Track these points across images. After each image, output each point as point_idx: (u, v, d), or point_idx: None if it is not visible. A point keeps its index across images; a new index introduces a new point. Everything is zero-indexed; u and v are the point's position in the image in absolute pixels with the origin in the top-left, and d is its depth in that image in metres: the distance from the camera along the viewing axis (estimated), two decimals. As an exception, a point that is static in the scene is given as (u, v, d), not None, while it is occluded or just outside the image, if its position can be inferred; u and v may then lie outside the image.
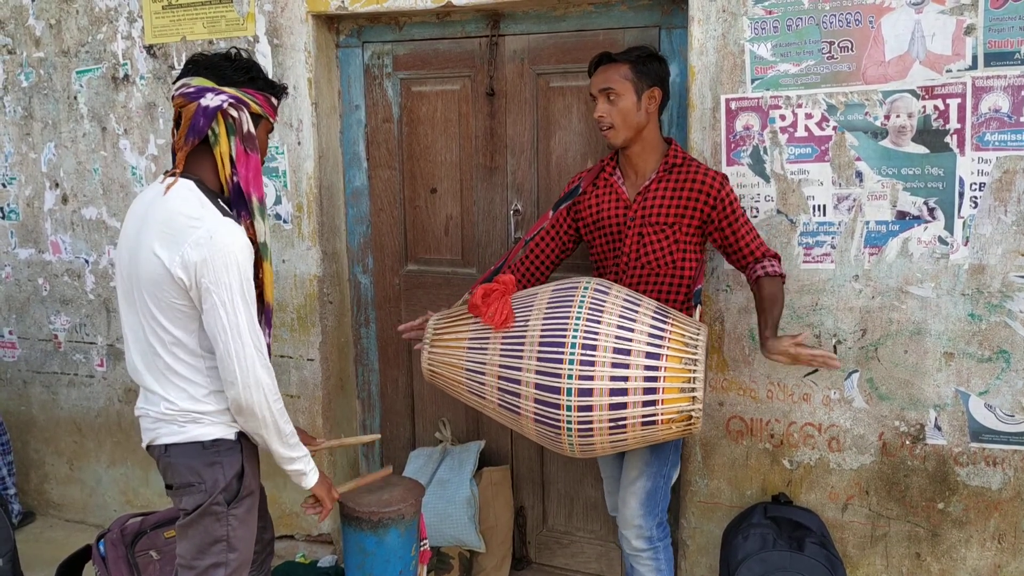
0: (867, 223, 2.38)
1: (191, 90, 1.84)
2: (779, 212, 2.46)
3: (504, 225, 2.96)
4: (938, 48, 2.25)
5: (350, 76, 3.06)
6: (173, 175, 1.85)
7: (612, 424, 1.98)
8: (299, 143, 2.96)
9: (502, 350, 2.07)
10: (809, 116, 2.38)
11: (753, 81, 2.42)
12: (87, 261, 3.39)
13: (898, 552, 2.51)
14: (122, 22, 3.15)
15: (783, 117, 2.41)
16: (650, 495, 2.29)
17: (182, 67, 1.91)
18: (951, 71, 2.25)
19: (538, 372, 2.00)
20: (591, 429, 1.99)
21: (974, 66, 2.23)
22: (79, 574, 2.72)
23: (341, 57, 3.06)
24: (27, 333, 3.56)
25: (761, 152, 2.44)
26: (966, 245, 2.31)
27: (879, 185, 2.36)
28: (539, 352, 2.01)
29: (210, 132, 1.84)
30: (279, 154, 2.99)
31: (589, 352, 1.97)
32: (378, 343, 3.22)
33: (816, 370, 2.49)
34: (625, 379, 1.96)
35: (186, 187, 1.83)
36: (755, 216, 2.47)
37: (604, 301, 2.04)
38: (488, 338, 2.10)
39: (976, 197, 2.28)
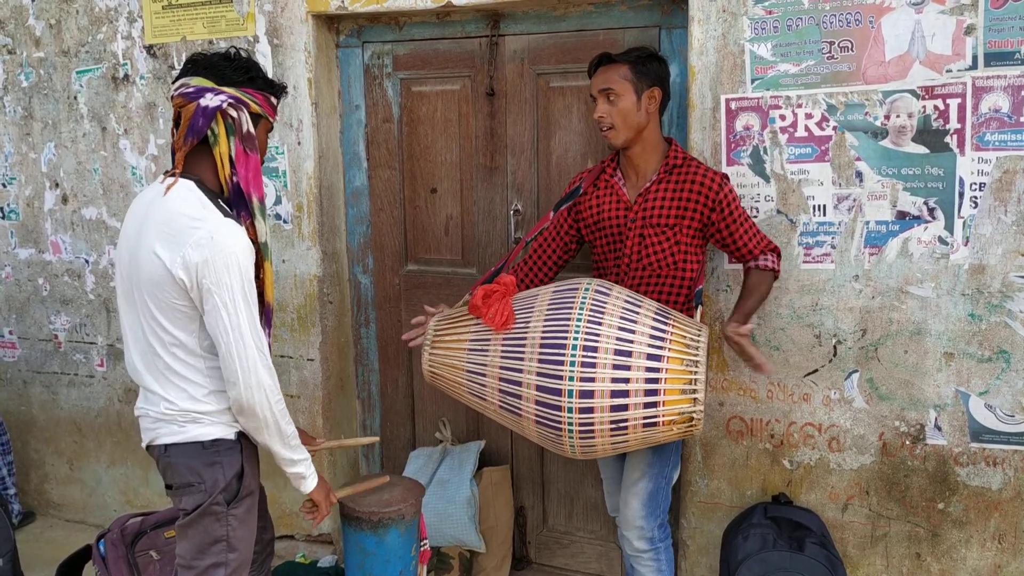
0: (867, 223, 2.38)
1: (190, 90, 1.84)
2: (779, 212, 2.46)
3: (504, 225, 2.96)
4: (938, 48, 2.25)
5: (350, 76, 3.06)
6: (173, 175, 1.85)
7: (613, 425, 1.98)
8: (299, 143, 2.96)
9: (503, 352, 2.07)
10: (809, 116, 2.38)
11: (753, 81, 2.42)
12: (87, 261, 3.39)
13: (898, 552, 2.51)
14: (122, 22, 3.15)
15: (783, 117, 2.41)
16: (652, 496, 2.29)
17: (181, 67, 1.91)
18: (951, 71, 2.25)
19: (539, 374, 2.00)
20: (592, 431, 1.99)
21: (974, 66, 2.23)
22: (79, 574, 2.72)
23: (341, 57, 3.06)
24: (27, 333, 3.56)
25: (761, 152, 2.44)
26: (966, 245, 2.31)
27: (879, 185, 2.36)
28: (540, 354, 2.01)
29: (209, 132, 1.84)
30: (279, 154, 2.99)
31: (590, 354, 1.96)
32: (378, 343, 3.22)
33: (816, 370, 2.49)
34: (626, 381, 1.96)
35: (186, 187, 1.83)
36: (755, 216, 2.47)
37: (605, 302, 2.04)
38: (489, 339, 2.10)
39: (976, 197, 2.28)
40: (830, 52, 2.34)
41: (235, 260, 1.77)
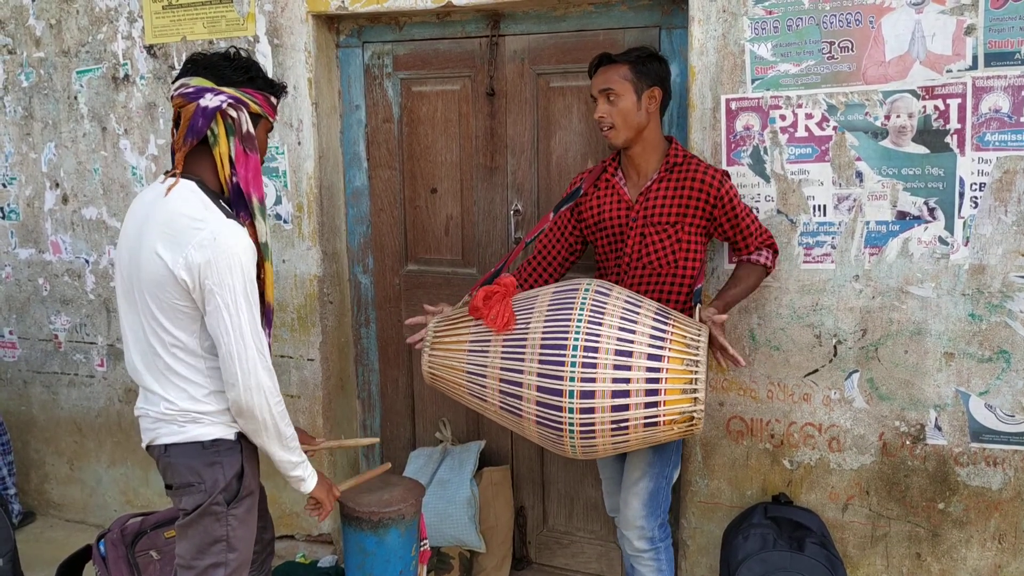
0: (867, 223, 2.38)
1: (190, 90, 1.84)
2: (779, 212, 2.46)
3: (504, 225, 2.96)
4: (938, 48, 2.25)
5: (350, 76, 3.06)
6: (174, 176, 1.85)
7: (614, 425, 1.98)
8: (299, 143, 2.96)
9: (503, 353, 2.07)
10: (809, 116, 2.38)
11: (753, 81, 2.42)
12: (87, 261, 3.39)
13: (898, 552, 2.51)
14: (122, 22, 3.15)
15: (783, 117, 2.41)
16: (652, 496, 2.29)
17: (181, 67, 1.91)
18: (951, 71, 2.25)
19: (540, 375, 2.00)
20: (593, 431, 1.99)
21: (974, 66, 2.23)
22: (79, 574, 2.72)
23: (341, 57, 3.06)
24: (27, 333, 3.56)
25: (761, 152, 2.44)
26: (966, 245, 2.31)
27: (879, 185, 2.36)
28: (541, 354, 2.01)
29: (209, 132, 1.84)
30: (279, 154, 2.99)
31: (591, 354, 1.96)
32: (378, 343, 3.22)
33: (816, 370, 2.49)
34: (627, 381, 1.96)
35: (188, 188, 1.83)
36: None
37: (605, 303, 2.04)
38: (489, 340, 2.10)
39: (976, 197, 2.28)
40: (830, 52, 2.34)
41: (238, 261, 1.77)
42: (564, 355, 1.98)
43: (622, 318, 2.01)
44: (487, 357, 2.09)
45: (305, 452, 2.02)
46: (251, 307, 1.80)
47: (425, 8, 2.75)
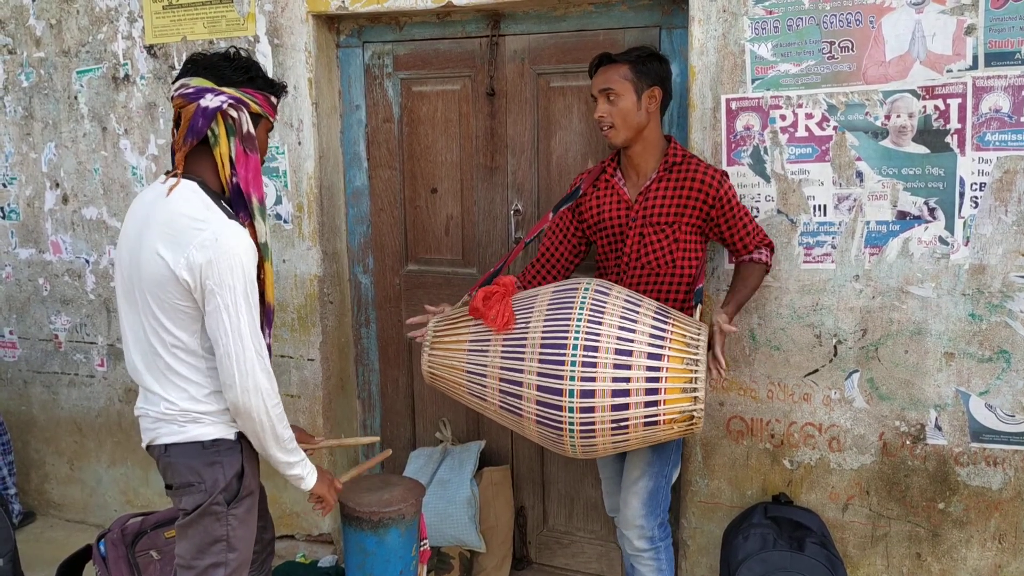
0: (867, 223, 2.38)
1: (190, 91, 1.84)
2: (779, 212, 2.46)
3: (504, 225, 2.96)
4: (939, 48, 2.25)
5: (350, 76, 3.06)
6: (174, 176, 1.85)
7: (614, 425, 1.98)
8: (299, 143, 2.96)
9: (503, 352, 2.07)
10: (809, 116, 2.38)
11: (753, 81, 2.42)
12: (87, 261, 3.39)
13: (899, 552, 2.51)
14: (122, 22, 3.15)
15: (783, 117, 2.41)
16: (652, 495, 2.29)
17: (181, 67, 1.91)
18: (952, 71, 2.25)
19: (540, 374, 2.00)
20: (593, 430, 1.99)
21: (975, 66, 2.23)
22: (80, 574, 2.72)
23: (341, 57, 3.06)
24: (27, 333, 3.56)
25: (762, 152, 2.44)
26: (966, 245, 2.31)
27: (879, 185, 2.36)
28: (540, 354, 2.01)
29: (209, 133, 1.84)
30: (279, 154, 2.99)
31: (591, 353, 1.96)
32: (378, 343, 3.22)
33: (816, 370, 2.49)
34: (627, 380, 1.96)
35: (189, 188, 1.83)
36: (756, 216, 2.47)
37: (605, 302, 2.04)
38: (489, 340, 2.10)
39: (977, 197, 2.28)
40: (830, 52, 2.34)
41: (239, 262, 1.77)
42: (564, 354, 1.98)
43: (622, 317, 2.01)
44: (487, 357, 2.09)
45: (304, 451, 2.02)
46: (251, 308, 1.80)
47: (425, 8, 2.75)
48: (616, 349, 1.97)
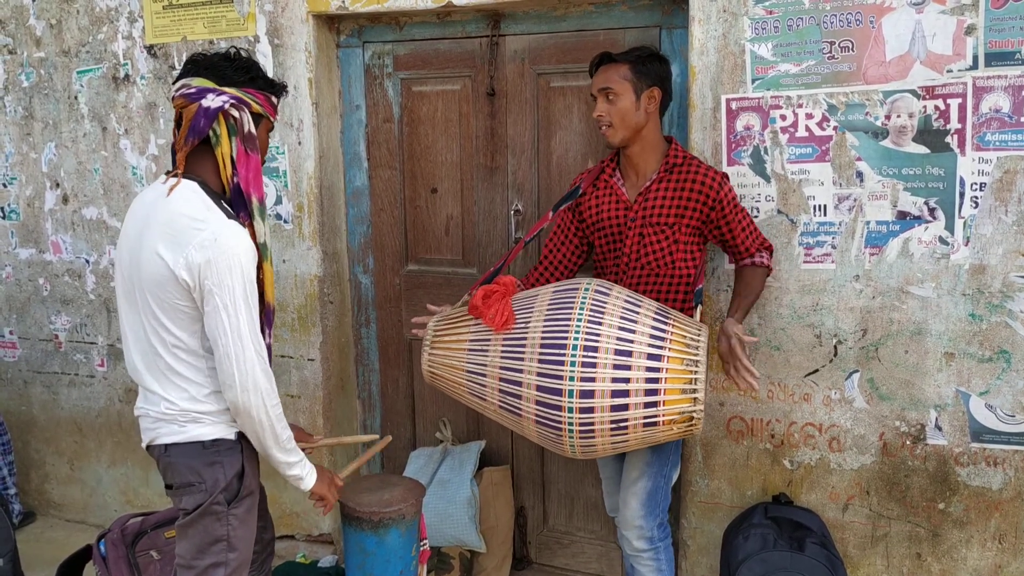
0: (868, 223, 2.38)
1: (192, 91, 1.84)
2: (780, 212, 2.45)
3: (505, 225, 2.96)
4: (939, 48, 2.25)
5: (351, 76, 3.06)
6: (175, 176, 1.85)
7: (613, 425, 1.98)
8: (300, 143, 2.97)
9: (503, 352, 2.07)
10: (810, 116, 2.38)
11: (754, 81, 2.42)
12: (88, 261, 3.39)
13: (899, 552, 2.51)
14: (123, 22, 3.15)
15: (784, 117, 2.41)
16: (651, 495, 2.29)
17: (181, 67, 1.91)
18: (952, 71, 2.25)
19: (539, 374, 2.00)
20: (592, 430, 1.99)
21: (975, 66, 2.23)
22: (80, 574, 2.72)
23: (342, 57, 3.06)
24: (28, 333, 3.56)
25: (762, 152, 2.44)
26: (967, 245, 2.31)
27: (880, 185, 2.35)
28: (540, 354, 2.01)
29: (211, 133, 1.84)
30: (280, 154, 2.99)
31: (590, 354, 1.96)
32: (379, 343, 3.23)
33: (817, 370, 2.49)
34: (626, 380, 1.96)
35: (189, 188, 1.83)
36: (756, 216, 2.47)
37: (605, 302, 2.04)
38: (489, 340, 2.10)
39: (977, 197, 2.28)
40: (831, 52, 2.34)
41: (238, 262, 1.77)
42: (564, 354, 1.97)
43: (622, 318, 2.01)
44: (487, 356, 2.09)
45: (304, 450, 2.02)
46: (250, 308, 1.80)
47: (425, 8, 2.75)
48: (616, 350, 1.97)
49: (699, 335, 2.02)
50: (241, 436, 1.93)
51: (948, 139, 2.28)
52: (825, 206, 2.41)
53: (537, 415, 2.03)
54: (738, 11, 2.40)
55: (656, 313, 2.05)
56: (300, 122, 2.95)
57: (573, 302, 2.04)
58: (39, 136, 3.37)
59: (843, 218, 2.40)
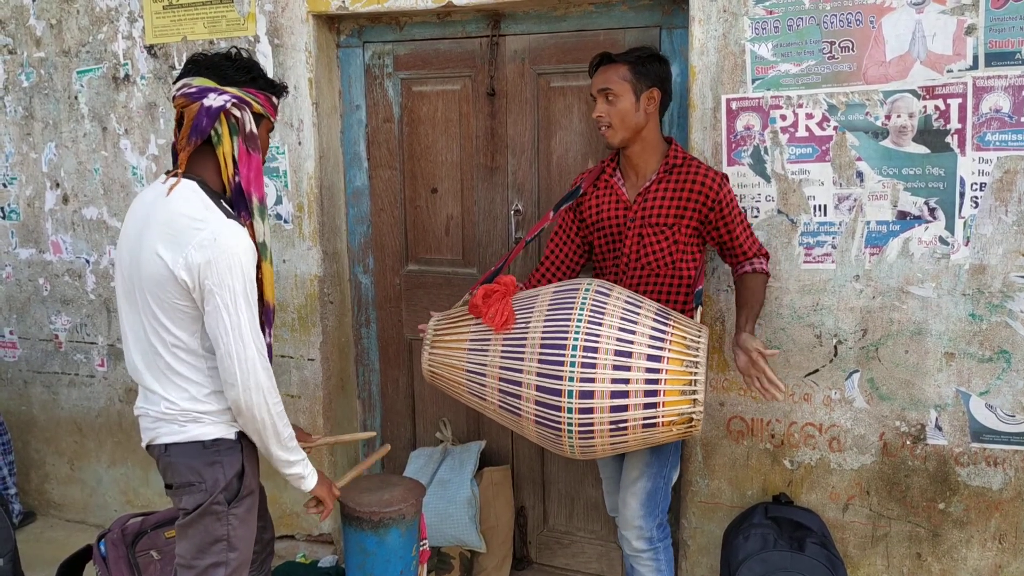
0: (868, 223, 2.38)
1: (193, 90, 1.84)
2: (780, 212, 2.45)
3: (505, 225, 2.96)
4: (939, 48, 2.25)
5: (351, 76, 3.06)
6: (175, 175, 1.85)
7: (613, 426, 1.98)
8: (300, 143, 2.97)
9: (503, 352, 2.07)
10: (810, 116, 2.38)
11: (754, 81, 2.42)
12: (88, 261, 3.39)
13: (899, 552, 2.51)
14: (123, 22, 3.15)
15: (784, 117, 2.41)
16: (650, 496, 2.29)
17: (182, 67, 1.91)
18: (952, 71, 2.25)
19: (539, 374, 2.00)
20: (592, 431, 1.99)
21: (975, 66, 2.23)
22: (80, 574, 2.72)
23: (342, 57, 3.06)
24: (28, 333, 3.56)
25: (762, 152, 2.44)
26: (967, 245, 2.31)
27: (880, 185, 2.35)
28: (540, 354, 2.01)
29: (213, 132, 1.84)
30: (280, 154, 2.99)
31: (590, 354, 1.96)
32: (379, 343, 3.23)
33: (817, 370, 2.49)
34: (626, 381, 1.96)
35: (189, 188, 1.83)
36: (756, 216, 2.47)
37: (605, 303, 2.04)
38: (489, 339, 2.10)
39: (977, 197, 2.28)
40: (831, 52, 2.34)
41: (238, 262, 1.77)
42: (563, 355, 1.97)
43: (622, 318, 2.01)
44: (487, 356, 2.09)
45: (303, 449, 2.02)
46: (250, 308, 1.80)
47: (425, 8, 2.75)
48: (616, 350, 1.97)
49: (699, 336, 2.01)
50: (241, 436, 1.93)
51: (948, 139, 2.28)
52: (825, 206, 2.41)
53: (536, 415, 2.03)
54: (738, 11, 2.40)
55: (656, 314, 2.04)
56: (300, 122, 2.95)
57: (573, 302, 2.04)
58: (39, 136, 3.37)
59: (843, 218, 2.40)
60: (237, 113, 1.85)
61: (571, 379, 1.96)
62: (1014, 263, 2.28)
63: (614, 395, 1.96)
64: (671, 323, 2.03)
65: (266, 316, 1.93)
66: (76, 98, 3.28)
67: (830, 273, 2.43)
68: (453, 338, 2.18)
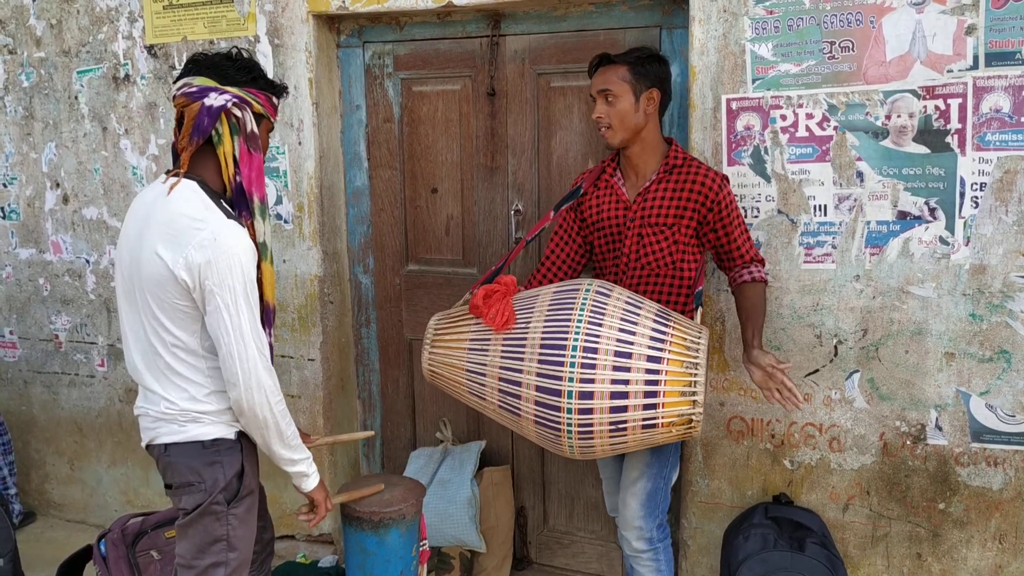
0: (868, 223, 2.38)
1: (194, 90, 1.84)
2: (780, 212, 2.45)
3: (505, 225, 2.96)
4: (939, 48, 2.25)
5: (351, 76, 3.06)
6: (176, 175, 1.85)
7: (612, 427, 1.98)
8: (300, 143, 2.97)
9: (503, 352, 2.07)
10: (810, 116, 2.38)
11: (754, 81, 2.42)
12: (88, 261, 3.39)
13: (899, 552, 2.51)
14: (123, 22, 3.15)
15: (784, 117, 2.40)
16: (650, 496, 2.29)
17: (183, 66, 1.91)
18: (952, 71, 2.25)
19: (539, 374, 2.00)
20: (591, 432, 1.99)
21: (975, 66, 2.23)
22: (80, 574, 2.72)
23: (342, 57, 3.06)
24: (28, 333, 3.56)
25: (762, 152, 2.44)
26: (967, 245, 2.31)
27: (880, 185, 2.35)
28: (540, 354, 2.01)
29: (214, 132, 1.84)
30: (280, 154, 2.99)
31: (590, 355, 1.96)
32: (379, 343, 3.22)
33: (817, 370, 2.49)
34: (626, 382, 1.95)
35: (189, 188, 1.83)
36: (756, 216, 2.47)
37: (606, 304, 2.03)
38: (489, 339, 2.10)
39: (977, 197, 2.28)
40: (831, 52, 2.34)
41: (238, 262, 1.77)
42: (563, 355, 1.97)
43: (622, 319, 2.01)
44: (487, 356, 2.09)
45: (302, 449, 2.02)
46: (251, 307, 1.80)
47: (426, 8, 2.75)
48: (616, 351, 1.97)
49: (699, 338, 2.01)
50: (241, 436, 1.93)
51: (948, 139, 2.28)
52: (825, 206, 2.41)
53: (536, 415, 2.03)
54: (738, 11, 2.40)
55: (656, 315, 2.04)
56: (300, 122, 2.95)
57: (574, 303, 2.04)
58: (39, 136, 3.37)
59: (843, 218, 2.40)
60: (238, 113, 1.85)
61: (571, 379, 1.96)
62: (1014, 263, 2.27)
63: (614, 396, 1.96)
64: (671, 324, 2.03)
65: (266, 316, 1.93)
66: (76, 98, 3.28)
67: (830, 273, 2.43)
68: (453, 338, 2.17)
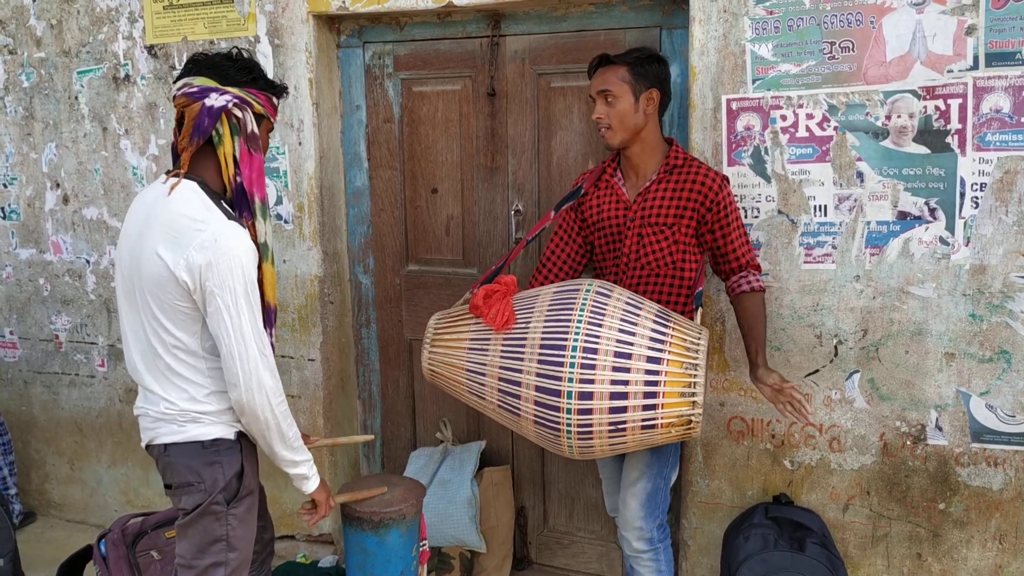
0: (868, 223, 2.38)
1: (194, 90, 1.84)
2: (780, 212, 2.45)
3: (505, 225, 2.96)
4: (939, 48, 2.25)
5: (351, 76, 3.06)
6: (176, 175, 1.85)
7: (612, 427, 1.98)
8: (300, 143, 2.97)
9: (503, 351, 2.07)
10: (810, 116, 2.38)
11: (754, 81, 2.42)
12: (88, 261, 3.39)
13: (899, 552, 2.51)
14: (123, 22, 3.15)
15: (784, 117, 2.40)
16: (650, 496, 2.29)
17: (183, 67, 1.91)
18: (952, 71, 2.25)
19: (539, 374, 2.00)
20: (591, 432, 1.99)
21: (975, 66, 2.23)
22: (80, 574, 2.72)
23: (342, 57, 3.06)
24: (28, 333, 3.56)
25: (762, 152, 2.44)
26: (967, 245, 2.31)
27: (880, 185, 2.35)
28: (540, 354, 2.01)
29: (214, 132, 1.84)
30: (280, 154, 2.99)
31: (590, 355, 1.96)
32: (379, 343, 3.23)
33: (817, 370, 2.49)
34: (626, 383, 1.95)
35: (190, 189, 1.83)
36: (756, 217, 2.47)
37: (606, 304, 2.03)
38: (489, 339, 2.10)
39: (977, 197, 2.28)
40: (831, 52, 2.34)
41: (238, 263, 1.77)
42: (563, 355, 1.97)
43: (622, 320, 2.01)
44: (487, 355, 2.09)
45: (304, 450, 2.02)
46: (252, 308, 1.80)
47: (426, 8, 2.75)
48: (615, 351, 1.97)
49: (699, 339, 2.01)
50: (240, 436, 1.93)
51: (948, 139, 2.28)
52: (825, 206, 2.41)
53: (536, 415, 2.03)
54: (738, 11, 2.40)
55: (656, 316, 2.04)
56: (300, 122, 2.95)
57: (574, 303, 2.04)
58: (39, 136, 3.37)
59: (843, 218, 2.40)
60: (239, 113, 1.85)
61: (570, 380, 1.96)
62: (1014, 263, 2.27)
63: (613, 396, 1.96)
64: (671, 325, 2.03)
65: (268, 316, 1.93)
66: (76, 98, 3.28)
67: (830, 273, 2.43)
68: (453, 337, 2.18)
